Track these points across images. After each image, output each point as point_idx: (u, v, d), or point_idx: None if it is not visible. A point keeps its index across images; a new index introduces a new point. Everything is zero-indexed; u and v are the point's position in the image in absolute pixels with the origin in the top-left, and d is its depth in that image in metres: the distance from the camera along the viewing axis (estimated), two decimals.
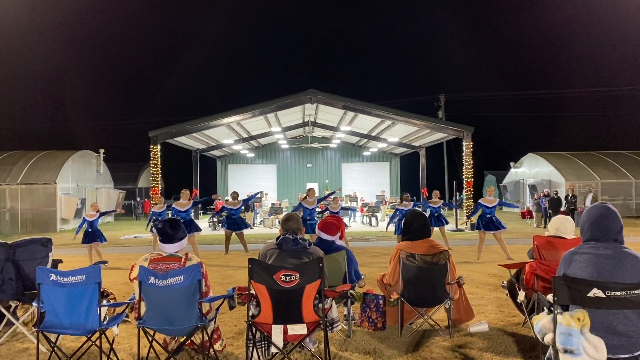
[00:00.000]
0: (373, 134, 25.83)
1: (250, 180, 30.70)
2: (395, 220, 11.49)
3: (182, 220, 10.26)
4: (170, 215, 11.26)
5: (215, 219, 20.24)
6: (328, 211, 12.78)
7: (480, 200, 10.70)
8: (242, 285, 4.00)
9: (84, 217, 10.59)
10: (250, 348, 3.79)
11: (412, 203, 11.75)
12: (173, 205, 11.20)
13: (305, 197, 11.99)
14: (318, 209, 12.74)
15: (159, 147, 18.88)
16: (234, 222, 11.92)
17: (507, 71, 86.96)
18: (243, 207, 12.45)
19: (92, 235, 10.23)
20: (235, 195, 12.50)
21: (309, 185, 31.11)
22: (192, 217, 11.09)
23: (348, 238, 14.62)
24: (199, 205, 11.38)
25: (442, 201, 12.38)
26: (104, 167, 26.37)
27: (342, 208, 13.62)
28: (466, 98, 70.09)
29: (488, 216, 10.33)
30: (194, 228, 10.80)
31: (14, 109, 66.54)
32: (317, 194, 29.12)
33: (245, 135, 25.65)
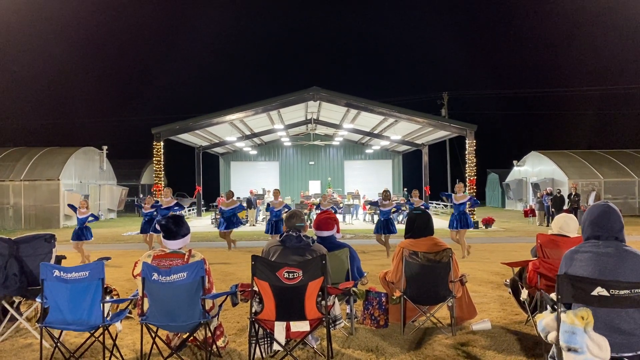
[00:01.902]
0: (376, 132, 25.81)
1: (252, 178, 30.73)
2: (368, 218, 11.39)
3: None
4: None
5: (218, 216, 20.25)
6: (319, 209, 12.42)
7: (453, 195, 10.91)
8: (245, 282, 4.01)
9: (75, 210, 10.62)
10: (253, 345, 3.79)
11: (395, 203, 11.60)
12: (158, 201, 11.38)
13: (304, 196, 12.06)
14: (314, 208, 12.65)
15: (162, 143, 18.91)
16: (223, 220, 11.78)
17: (511, 69, 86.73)
18: (238, 208, 12.19)
19: (79, 232, 10.24)
20: (230, 194, 12.36)
21: (311, 183, 31.31)
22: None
23: (350, 236, 14.63)
24: (179, 208, 11.05)
25: (422, 201, 12.49)
26: (107, 163, 26.42)
27: (333, 207, 13.02)
28: (469, 96, 69.96)
29: (455, 213, 10.47)
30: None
31: (18, 105, 66.70)
32: (318, 192, 29.16)
33: (248, 133, 25.66)
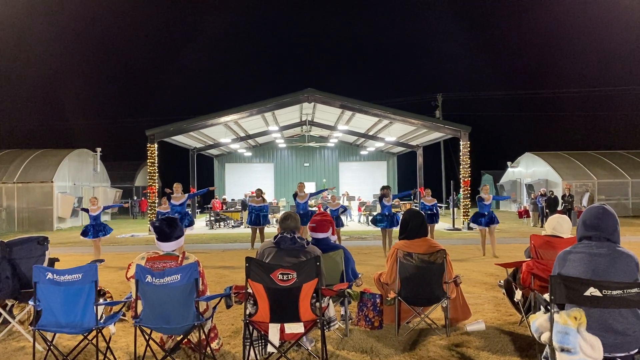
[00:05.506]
0: (370, 133, 25.83)
1: (247, 179, 30.67)
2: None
3: (177, 215, 10.31)
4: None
5: (212, 218, 20.24)
6: (328, 209, 12.58)
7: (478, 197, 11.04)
8: (239, 284, 4.00)
9: (87, 211, 10.49)
10: (247, 347, 3.78)
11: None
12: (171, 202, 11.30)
13: (296, 193, 12.17)
14: (315, 208, 12.87)
15: (156, 145, 18.83)
16: (258, 217, 12.39)
17: (504, 71, 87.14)
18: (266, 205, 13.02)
19: (96, 229, 10.24)
20: (259, 192, 13.05)
21: (306, 185, 31.28)
22: (188, 211, 11.20)
23: (345, 237, 14.63)
24: (196, 197, 11.58)
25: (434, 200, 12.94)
26: (100, 165, 26.29)
27: (342, 207, 13.63)
28: (463, 97, 70.36)
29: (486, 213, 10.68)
30: (188, 222, 10.71)
31: (11, 107, 66.35)
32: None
33: (242, 134, 25.61)
